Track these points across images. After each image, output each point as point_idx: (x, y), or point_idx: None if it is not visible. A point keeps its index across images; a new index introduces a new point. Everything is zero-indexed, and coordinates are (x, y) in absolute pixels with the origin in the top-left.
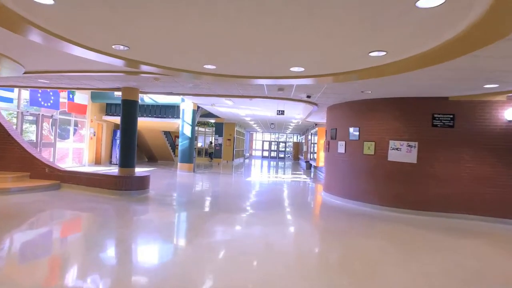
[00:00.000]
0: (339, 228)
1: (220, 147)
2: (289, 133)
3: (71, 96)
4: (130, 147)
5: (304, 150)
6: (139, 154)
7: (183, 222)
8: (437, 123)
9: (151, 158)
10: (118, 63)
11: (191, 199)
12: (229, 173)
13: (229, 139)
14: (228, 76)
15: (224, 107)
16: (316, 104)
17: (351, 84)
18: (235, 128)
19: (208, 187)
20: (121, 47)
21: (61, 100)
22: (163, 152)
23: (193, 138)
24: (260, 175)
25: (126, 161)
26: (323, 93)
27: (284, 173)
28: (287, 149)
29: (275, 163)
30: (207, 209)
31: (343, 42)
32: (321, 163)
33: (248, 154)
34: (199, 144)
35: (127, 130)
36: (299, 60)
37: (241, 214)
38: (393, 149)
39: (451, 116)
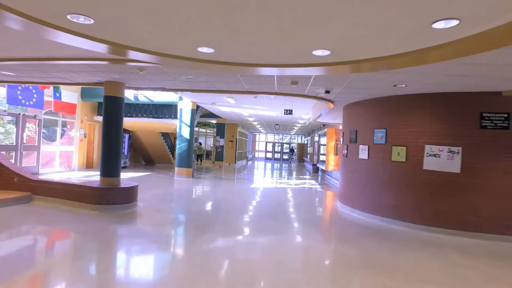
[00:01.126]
0: (370, 256)
1: (222, 149)
2: (293, 134)
3: (57, 94)
4: (114, 152)
5: (309, 152)
6: (136, 157)
7: (171, 256)
8: (487, 124)
9: (149, 161)
10: (83, 44)
11: (185, 216)
12: (231, 177)
13: (231, 141)
14: (229, 64)
15: (226, 106)
16: (332, 102)
17: (387, 75)
18: (238, 129)
19: (207, 197)
20: (81, 18)
21: (46, 98)
22: (161, 155)
23: (192, 140)
24: (264, 180)
25: (109, 170)
26: (346, 87)
27: (290, 177)
28: (294, 150)
29: (279, 165)
30: (203, 230)
31: (400, 7)
32: (331, 167)
33: (251, 156)
34: (201, 146)
35: (110, 132)
36: (327, 38)
37: (245, 237)
38: (430, 155)
39: (506, 115)
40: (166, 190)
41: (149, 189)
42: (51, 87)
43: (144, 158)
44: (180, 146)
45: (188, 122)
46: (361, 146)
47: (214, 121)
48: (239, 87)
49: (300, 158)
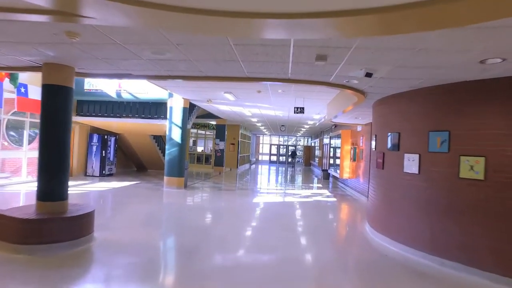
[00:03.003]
0: None
1: (222, 153)
2: (299, 136)
3: (22, 90)
4: (58, 165)
5: (318, 155)
6: (127, 162)
7: None
8: None
9: (141, 167)
10: None
11: (162, 258)
12: (231, 188)
13: (233, 143)
14: (210, 14)
15: (225, 105)
16: (363, 94)
17: (479, 41)
18: (240, 131)
19: (199, 220)
20: None
21: (7, 95)
22: (153, 160)
23: (184, 144)
24: (268, 189)
25: (49, 190)
26: (400, 66)
27: (298, 186)
28: (298, 153)
29: (284, 169)
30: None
31: None
32: (346, 174)
33: (254, 159)
34: (199, 149)
35: (51, 137)
36: None
37: None
38: None
39: None
40: (147, 209)
41: (126, 206)
42: (6, 79)
43: (136, 163)
44: (170, 152)
45: (179, 123)
46: (407, 155)
47: (213, 122)
48: (235, 71)
49: (306, 161)
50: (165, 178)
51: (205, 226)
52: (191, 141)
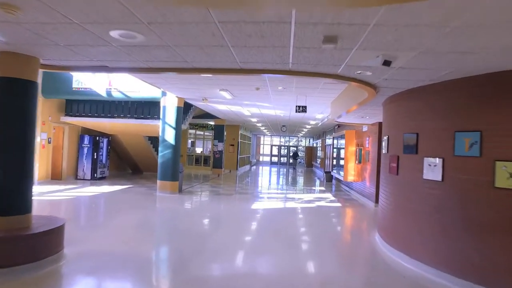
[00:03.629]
0: None
1: (221, 154)
2: (301, 137)
3: None
4: (17, 172)
5: (320, 156)
6: (121, 165)
7: None
8: None
9: (136, 170)
10: None
11: (146, 285)
12: (229, 192)
13: (232, 145)
14: None
15: (222, 104)
16: (374, 88)
17: None
18: (239, 131)
19: (191, 231)
20: None
21: None
22: (149, 162)
23: (178, 146)
24: (270, 194)
25: (7, 201)
26: (425, 52)
27: (300, 189)
28: (300, 154)
29: (285, 170)
30: None
31: None
32: (351, 177)
33: (255, 160)
34: (198, 150)
35: (9, 138)
36: None
37: None
38: None
39: None
40: (133, 218)
41: (111, 215)
42: None
43: (131, 166)
44: (163, 154)
45: (173, 123)
46: (427, 159)
47: (211, 123)
48: (226, 60)
49: (308, 163)
50: (158, 182)
51: (195, 240)
52: (189, 142)
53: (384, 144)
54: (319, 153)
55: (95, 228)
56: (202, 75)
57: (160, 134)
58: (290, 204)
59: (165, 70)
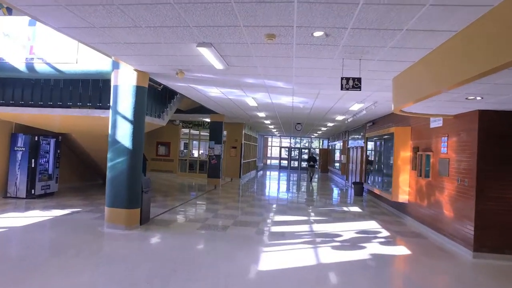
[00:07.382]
0: None
1: (218, 159)
2: (314, 138)
3: None
4: None
5: (341, 161)
6: (89, 174)
7: None
8: None
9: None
10: None
11: None
12: (224, 223)
13: (234, 147)
14: None
15: (211, 85)
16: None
17: None
18: (243, 131)
19: None
20: None
21: None
22: None
23: (139, 151)
24: (287, 224)
25: None
26: None
27: (328, 211)
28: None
29: (297, 176)
30: None
31: None
32: (405, 195)
33: (262, 164)
34: (195, 153)
35: None
36: None
37: None
38: None
39: None
40: None
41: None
42: None
43: (102, 175)
44: (113, 164)
45: (129, 114)
46: None
47: (207, 119)
48: None
49: (323, 167)
50: (106, 210)
51: None
52: (181, 144)
53: None
54: (339, 157)
55: None
56: None
57: (110, 131)
58: (324, 254)
59: None
